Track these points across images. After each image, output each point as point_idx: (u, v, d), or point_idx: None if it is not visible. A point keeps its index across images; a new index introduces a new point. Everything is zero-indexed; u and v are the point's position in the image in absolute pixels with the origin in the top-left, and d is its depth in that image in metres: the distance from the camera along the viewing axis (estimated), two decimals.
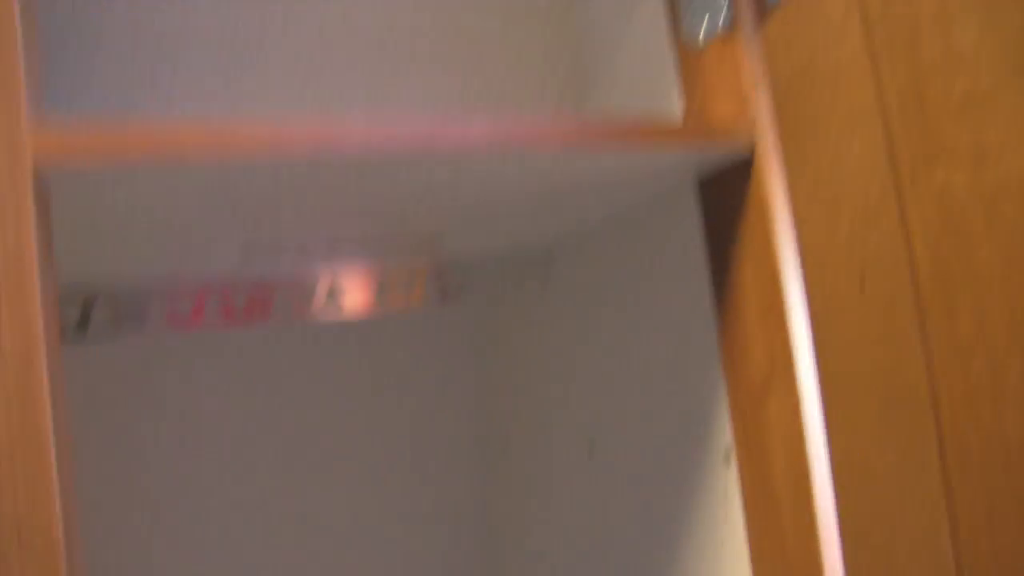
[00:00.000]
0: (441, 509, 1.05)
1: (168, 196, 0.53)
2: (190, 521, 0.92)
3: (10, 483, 0.40)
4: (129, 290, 0.84)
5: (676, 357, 0.78)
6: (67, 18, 0.79)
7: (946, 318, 0.54)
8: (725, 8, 0.69)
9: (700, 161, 0.69)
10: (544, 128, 0.55)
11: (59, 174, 0.44)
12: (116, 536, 0.87)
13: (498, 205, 0.72)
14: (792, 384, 0.64)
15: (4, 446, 0.40)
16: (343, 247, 0.80)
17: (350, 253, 0.84)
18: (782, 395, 0.66)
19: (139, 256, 0.72)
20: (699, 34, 0.72)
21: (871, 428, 0.60)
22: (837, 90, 0.61)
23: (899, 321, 0.58)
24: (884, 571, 0.59)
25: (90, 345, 0.85)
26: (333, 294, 0.94)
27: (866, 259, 0.60)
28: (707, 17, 0.71)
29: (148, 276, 0.80)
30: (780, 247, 0.66)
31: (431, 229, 0.77)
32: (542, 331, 1.00)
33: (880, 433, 0.59)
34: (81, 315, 0.82)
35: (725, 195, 0.71)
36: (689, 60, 0.74)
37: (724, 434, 0.72)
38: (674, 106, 0.78)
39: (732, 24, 0.69)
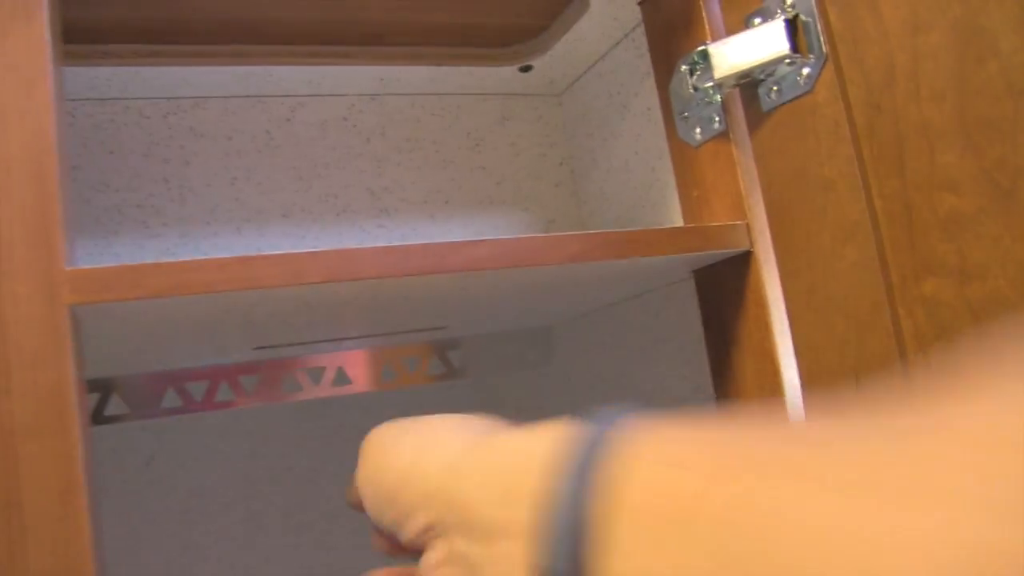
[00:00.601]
0: None
1: (187, 318, 0.56)
2: None
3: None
4: (144, 378, 0.86)
5: None
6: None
7: None
8: (719, 113, 0.72)
9: (698, 259, 0.71)
10: (548, 245, 0.58)
11: (91, 309, 0.47)
12: None
13: (502, 301, 0.75)
14: None
15: None
16: (352, 339, 0.82)
17: (358, 343, 0.87)
18: None
19: (156, 357, 0.74)
20: (695, 135, 0.75)
21: None
22: (828, 199, 0.63)
23: None
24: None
25: (103, 427, 0.87)
26: (341, 373, 0.96)
27: (861, 362, 0.62)
28: (701, 120, 0.74)
29: (163, 368, 0.83)
30: (778, 342, 0.68)
31: (436, 323, 0.80)
32: (543, 404, 1.02)
33: None
34: (98, 402, 0.84)
35: (723, 285, 0.73)
36: (685, 157, 0.77)
37: None
38: (670, 200, 0.81)
39: (726, 127, 0.72)
